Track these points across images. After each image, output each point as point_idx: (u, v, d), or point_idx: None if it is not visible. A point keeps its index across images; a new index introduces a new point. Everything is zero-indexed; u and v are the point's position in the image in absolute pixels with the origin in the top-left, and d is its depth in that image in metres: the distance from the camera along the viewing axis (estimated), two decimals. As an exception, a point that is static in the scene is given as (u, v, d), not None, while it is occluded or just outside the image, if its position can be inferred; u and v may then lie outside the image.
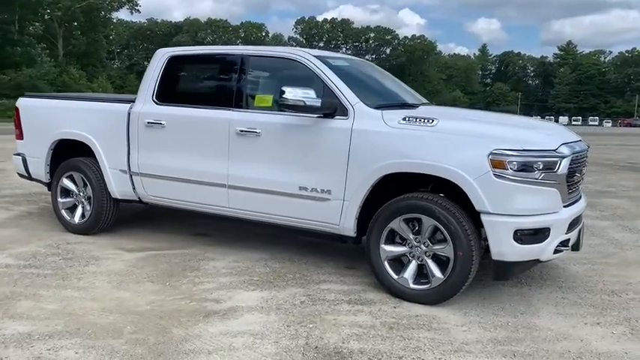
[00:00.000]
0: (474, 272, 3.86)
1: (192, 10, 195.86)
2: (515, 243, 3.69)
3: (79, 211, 5.66)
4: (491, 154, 3.67)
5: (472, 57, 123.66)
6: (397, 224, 4.01)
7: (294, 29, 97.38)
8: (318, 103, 4.16)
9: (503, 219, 3.69)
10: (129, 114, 5.18)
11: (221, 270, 4.61)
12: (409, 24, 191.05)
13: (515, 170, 3.66)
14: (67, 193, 5.71)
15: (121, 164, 5.26)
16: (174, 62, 5.19)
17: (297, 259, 4.95)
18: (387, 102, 4.59)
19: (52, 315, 3.60)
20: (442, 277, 3.88)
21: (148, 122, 5.04)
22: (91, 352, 3.09)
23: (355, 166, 4.13)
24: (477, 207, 3.73)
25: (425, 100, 5.38)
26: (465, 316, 3.80)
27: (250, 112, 4.59)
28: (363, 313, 3.77)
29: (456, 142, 3.83)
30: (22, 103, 6.05)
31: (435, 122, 3.97)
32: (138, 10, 64.03)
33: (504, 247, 3.72)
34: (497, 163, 3.66)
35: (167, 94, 5.11)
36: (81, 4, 52.51)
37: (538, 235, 3.76)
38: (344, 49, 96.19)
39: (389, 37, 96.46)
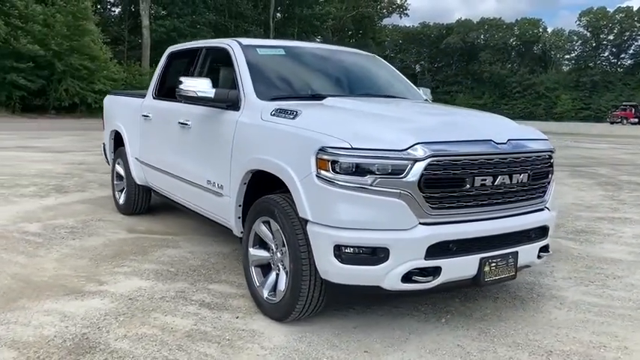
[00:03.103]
0: (315, 293, 3.26)
1: (474, 11, 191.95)
2: (335, 261, 3.02)
3: (124, 193, 6.42)
4: (318, 151, 3.06)
5: None
6: (258, 227, 3.63)
7: (578, 22, 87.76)
8: (211, 94, 4.00)
9: (322, 230, 3.05)
10: (140, 107, 5.69)
11: (162, 257, 4.76)
12: None
13: (340, 173, 2.98)
14: (120, 177, 6.52)
15: (136, 153, 5.80)
16: (170, 58, 5.51)
17: (244, 257, 4.79)
18: (291, 94, 4.12)
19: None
20: (283, 291, 3.38)
21: (143, 115, 5.47)
22: None
23: (234, 161, 3.86)
24: (300, 213, 3.15)
25: (410, 96, 4.63)
26: (293, 342, 3.24)
27: (188, 105, 4.61)
28: (190, 318, 3.52)
29: (298, 137, 3.29)
30: (105, 99, 7.10)
31: (295, 115, 3.46)
32: (406, 14, 66.36)
33: (326, 265, 3.07)
34: (321, 164, 3.04)
35: (161, 89, 5.46)
36: (351, 13, 56.83)
37: (372, 255, 2.99)
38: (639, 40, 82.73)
39: None
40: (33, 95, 30.68)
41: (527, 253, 3.41)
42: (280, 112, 3.56)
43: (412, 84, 5.00)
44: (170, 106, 4.96)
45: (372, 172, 2.94)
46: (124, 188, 6.44)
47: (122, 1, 46.68)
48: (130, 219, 6.16)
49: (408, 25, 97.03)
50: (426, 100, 4.86)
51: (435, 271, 3.05)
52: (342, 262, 3.00)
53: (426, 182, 2.97)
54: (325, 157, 3.01)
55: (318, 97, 3.99)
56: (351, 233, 2.98)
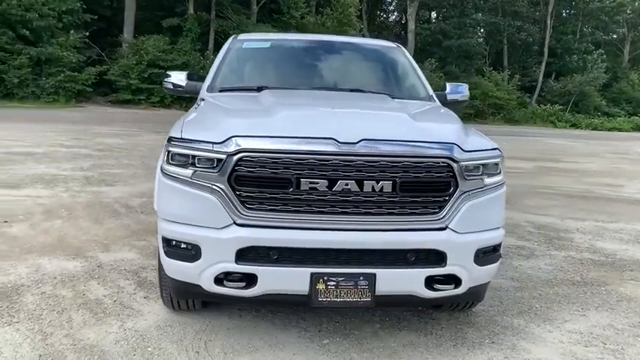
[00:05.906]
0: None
1: None
2: (163, 254, 2.97)
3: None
4: (167, 141, 3.04)
5: None
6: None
7: None
8: (183, 84, 4.22)
9: (159, 222, 3.03)
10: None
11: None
12: None
13: (172, 164, 2.93)
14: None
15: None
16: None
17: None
18: (240, 86, 4.00)
19: (22, 229, 5.21)
20: (165, 280, 3.44)
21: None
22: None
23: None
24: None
25: (402, 94, 4.10)
26: (151, 329, 3.28)
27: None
28: (111, 290, 3.82)
29: (176, 126, 3.28)
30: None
31: (200, 104, 3.47)
32: None
33: (161, 258, 3.04)
34: (166, 153, 3.02)
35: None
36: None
37: (189, 252, 2.86)
38: None
39: None
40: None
41: (398, 279, 2.77)
42: (198, 103, 3.60)
43: (424, 81, 4.28)
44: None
45: (193, 165, 2.82)
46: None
47: (397, 8, 48.84)
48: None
49: None
50: (432, 96, 4.14)
51: (250, 279, 2.75)
52: (166, 255, 2.94)
53: (238, 179, 2.70)
54: (167, 147, 2.98)
55: (263, 88, 3.84)
56: (172, 226, 2.91)
